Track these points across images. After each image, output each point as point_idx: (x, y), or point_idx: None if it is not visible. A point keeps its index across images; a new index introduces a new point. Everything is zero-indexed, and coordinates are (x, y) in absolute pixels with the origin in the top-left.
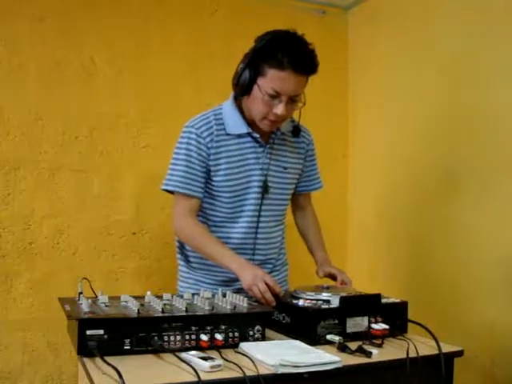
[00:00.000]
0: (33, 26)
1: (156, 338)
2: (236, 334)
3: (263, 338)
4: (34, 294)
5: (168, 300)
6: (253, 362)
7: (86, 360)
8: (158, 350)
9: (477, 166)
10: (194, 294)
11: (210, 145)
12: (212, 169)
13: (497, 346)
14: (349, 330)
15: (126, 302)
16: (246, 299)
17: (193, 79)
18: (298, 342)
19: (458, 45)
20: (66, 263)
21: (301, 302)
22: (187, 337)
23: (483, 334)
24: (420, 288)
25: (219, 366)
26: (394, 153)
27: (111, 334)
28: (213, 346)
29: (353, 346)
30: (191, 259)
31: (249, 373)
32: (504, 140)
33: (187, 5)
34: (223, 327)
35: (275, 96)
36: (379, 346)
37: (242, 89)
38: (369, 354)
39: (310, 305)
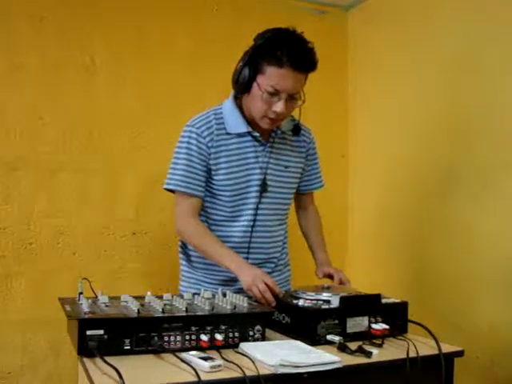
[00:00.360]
0: (33, 25)
1: (156, 338)
2: (236, 334)
3: (263, 338)
4: (34, 294)
5: (168, 300)
6: (253, 362)
7: (85, 360)
8: (158, 350)
9: (477, 166)
10: (194, 294)
11: (210, 144)
12: (212, 168)
13: (497, 346)
14: (349, 330)
15: (126, 302)
16: (246, 299)
17: (193, 79)
18: (298, 342)
19: (458, 45)
20: (66, 263)
21: (301, 302)
22: (187, 337)
23: (483, 334)
24: (420, 288)
25: (219, 366)
26: (394, 153)
27: (111, 334)
28: (213, 346)
29: (353, 346)
30: (193, 259)
31: (249, 373)
32: (504, 140)
33: (187, 5)
34: (223, 327)
35: (274, 94)
36: (379, 346)
37: (242, 87)
38: (369, 354)
39: (310, 305)
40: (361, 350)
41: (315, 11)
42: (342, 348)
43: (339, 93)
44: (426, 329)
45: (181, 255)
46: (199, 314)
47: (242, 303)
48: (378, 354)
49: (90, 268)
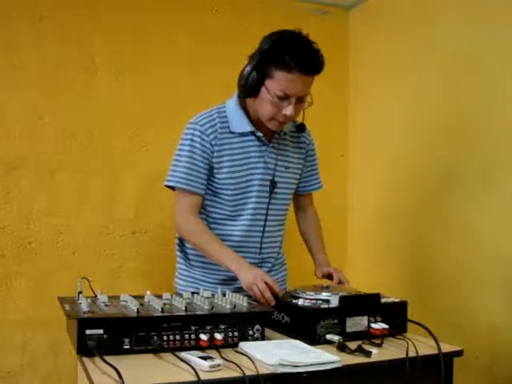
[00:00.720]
0: (33, 25)
1: (155, 337)
2: (235, 334)
3: (263, 337)
4: (33, 294)
5: (167, 299)
6: (252, 361)
7: (85, 359)
8: (157, 350)
9: (477, 166)
10: (193, 294)
11: (213, 142)
12: (215, 166)
13: (496, 346)
14: (348, 330)
15: (125, 301)
16: (245, 298)
17: (193, 79)
18: (297, 342)
19: (458, 45)
20: (65, 263)
21: (300, 302)
22: (187, 336)
23: (483, 334)
24: (420, 288)
25: (219, 365)
26: (394, 153)
27: (111, 334)
28: (212, 345)
29: (352, 345)
30: (191, 257)
31: (248, 372)
32: (504, 140)
33: (187, 5)
34: (223, 327)
35: (284, 98)
36: (379, 345)
37: (249, 90)
38: (368, 354)
39: (309, 304)
40: (360, 350)
41: (316, 11)
42: (342, 347)
43: (339, 92)
44: (425, 328)
45: (178, 252)
46: (198, 313)
47: (242, 302)
48: (377, 354)
49: (89, 267)
